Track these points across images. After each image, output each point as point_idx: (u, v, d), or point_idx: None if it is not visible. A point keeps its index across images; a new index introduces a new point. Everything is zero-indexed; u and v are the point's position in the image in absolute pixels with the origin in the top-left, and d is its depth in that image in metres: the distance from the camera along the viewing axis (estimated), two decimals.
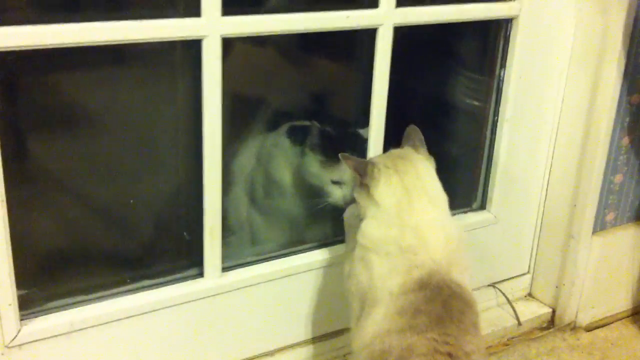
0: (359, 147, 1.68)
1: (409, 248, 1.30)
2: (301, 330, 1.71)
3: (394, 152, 1.45)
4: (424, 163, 1.41)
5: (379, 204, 1.36)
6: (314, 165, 1.71)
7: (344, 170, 1.64)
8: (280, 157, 1.78)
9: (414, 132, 1.45)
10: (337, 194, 1.68)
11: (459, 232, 1.36)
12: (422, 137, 1.45)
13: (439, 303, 1.24)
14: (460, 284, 1.29)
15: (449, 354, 1.19)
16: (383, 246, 1.33)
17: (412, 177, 1.37)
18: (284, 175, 1.77)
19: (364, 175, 1.37)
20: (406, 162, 1.39)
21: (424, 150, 1.44)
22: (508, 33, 1.77)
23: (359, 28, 1.55)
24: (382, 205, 1.35)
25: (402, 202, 1.34)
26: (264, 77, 1.89)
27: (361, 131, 1.70)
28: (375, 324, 1.27)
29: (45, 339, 1.39)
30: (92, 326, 1.43)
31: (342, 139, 1.72)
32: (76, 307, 1.43)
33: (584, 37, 1.78)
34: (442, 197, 1.39)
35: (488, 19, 1.76)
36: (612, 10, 1.71)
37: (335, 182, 1.68)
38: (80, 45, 1.27)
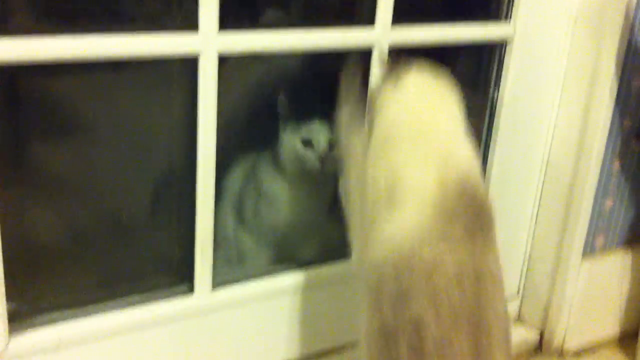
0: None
1: (440, 144, 1.18)
2: (292, 348, 1.70)
3: None
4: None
5: (404, 89, 1.25)
6: (287, 137, 1.70)
7: (314, 126, 1.64)
8: (270, 168, 1.77)
9: None
10: (310, 156, 1.67)
11: None
12: None
13: (472, 214, 1.12)
14: (487, 197, 1.18)
15: (475, 270, 1.09)
16: (411, 131, 1.20)
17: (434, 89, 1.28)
18: (275, 188, 1.76)
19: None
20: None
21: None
22: (502, 55, 1.78)
23: (355, 48, 1.55)
24: (407, 91, 1.25)
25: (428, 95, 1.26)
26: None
27: None
28: (406, 225, 1.10)
29: (33, 353, 1.37)
30: (81, 343, 1.41)
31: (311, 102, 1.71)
32: (65, 321, 1.41)
33: (577, 60, 1.79)
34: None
35: (482, 42, 1.77)
36: (606, 35, 1.72)
37: (306, 143, 1.67)
38: (70, 61, 1.26)
